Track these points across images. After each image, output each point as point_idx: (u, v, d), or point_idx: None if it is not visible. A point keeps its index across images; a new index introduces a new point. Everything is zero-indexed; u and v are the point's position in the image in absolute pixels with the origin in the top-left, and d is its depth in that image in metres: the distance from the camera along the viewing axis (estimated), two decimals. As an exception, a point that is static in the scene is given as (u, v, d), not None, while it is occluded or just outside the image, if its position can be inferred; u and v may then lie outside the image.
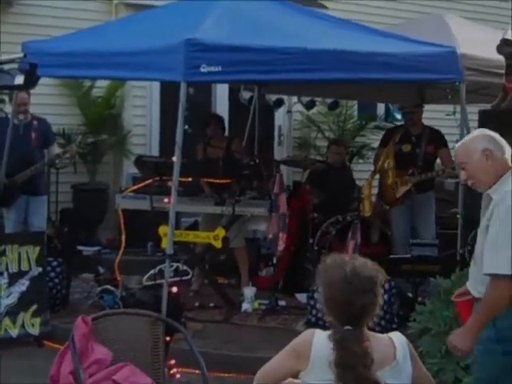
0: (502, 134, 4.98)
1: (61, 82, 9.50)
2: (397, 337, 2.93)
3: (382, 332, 2.97)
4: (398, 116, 10.59)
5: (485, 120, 5.93)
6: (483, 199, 3.90)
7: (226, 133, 8.42)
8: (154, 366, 4.53)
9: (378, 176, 8.13)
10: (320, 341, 2.82)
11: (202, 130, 8.33)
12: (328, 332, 2.85)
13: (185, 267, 6.93)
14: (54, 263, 7.17)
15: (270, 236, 7.29)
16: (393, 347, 2.87)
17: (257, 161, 7.74)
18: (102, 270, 7.47)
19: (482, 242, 3.74)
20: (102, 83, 9.68)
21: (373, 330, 2.90)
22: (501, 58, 5.89)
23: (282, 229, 7.09)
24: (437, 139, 7.83)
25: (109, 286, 6.97)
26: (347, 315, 2.80)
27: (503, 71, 5.92)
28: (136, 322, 4.63)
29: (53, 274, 7.09)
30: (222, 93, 10.64)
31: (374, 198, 8.07)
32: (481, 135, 3.93)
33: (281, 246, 7.12)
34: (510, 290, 3.58)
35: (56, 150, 7.82)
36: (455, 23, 7.60)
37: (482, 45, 6.59)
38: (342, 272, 2.83)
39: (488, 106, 6.17)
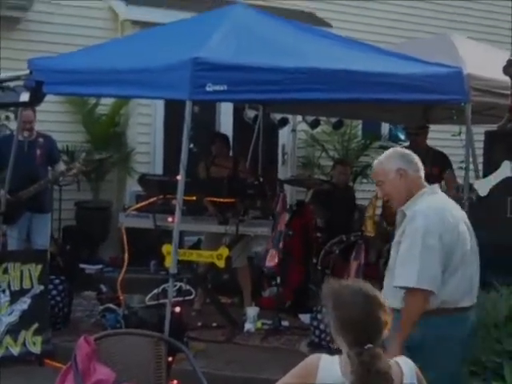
0: (508, 155, 4.95)
1: (65, 99, 9.51)
2: (404, 362, 2.88)
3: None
4: (402, 136, 10.56)
5: (491, 141, 5.91)
6: (397, 215, 4.10)
7: (230, 152, 8.40)
8: (157, 387, 4.49)
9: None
10: (326, 365, 2.78)
11: (206, 148, 8.31)
12: (336, 356, 2.80)
13: (188, 286, 6.89)
14: (56, 281, 7.16)
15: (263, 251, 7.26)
16: (400, 372, 2.82)
17: (261, 180, 7.72)
18: (104, 288, 7.43)
19: (395, 257, 3.94)
20: (107, 101, 9.68)
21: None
22: (507, 78, 5.88)
23: (275, 246, 7.03)
24: (442, 161, 7.78)
25: (111, 305, 6.93)
26: (368, 332, 2.73)
27: (509, 92, 5.91)
28: (138, 341, 4.60)
29: (55, 292, 7.07)
30: (226, 111, 10.62)
31: (377, 218, 8.02)
32: (395, 155, 4.10)
33: (270, 262, 7.07)
34: (422, 300, 3.78)
35: (62, 167, 7.81)
36: (461, 43, 7.59)
37: (488, 65, 6.58)
38: (357, 289, 2.80)
39: (494, 127, 6.14)
